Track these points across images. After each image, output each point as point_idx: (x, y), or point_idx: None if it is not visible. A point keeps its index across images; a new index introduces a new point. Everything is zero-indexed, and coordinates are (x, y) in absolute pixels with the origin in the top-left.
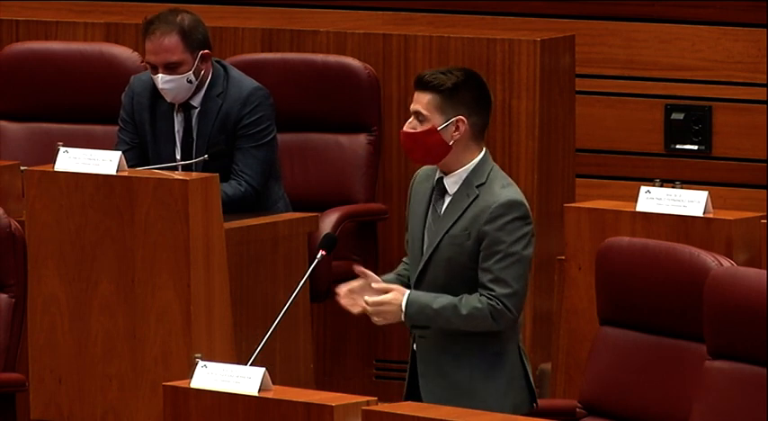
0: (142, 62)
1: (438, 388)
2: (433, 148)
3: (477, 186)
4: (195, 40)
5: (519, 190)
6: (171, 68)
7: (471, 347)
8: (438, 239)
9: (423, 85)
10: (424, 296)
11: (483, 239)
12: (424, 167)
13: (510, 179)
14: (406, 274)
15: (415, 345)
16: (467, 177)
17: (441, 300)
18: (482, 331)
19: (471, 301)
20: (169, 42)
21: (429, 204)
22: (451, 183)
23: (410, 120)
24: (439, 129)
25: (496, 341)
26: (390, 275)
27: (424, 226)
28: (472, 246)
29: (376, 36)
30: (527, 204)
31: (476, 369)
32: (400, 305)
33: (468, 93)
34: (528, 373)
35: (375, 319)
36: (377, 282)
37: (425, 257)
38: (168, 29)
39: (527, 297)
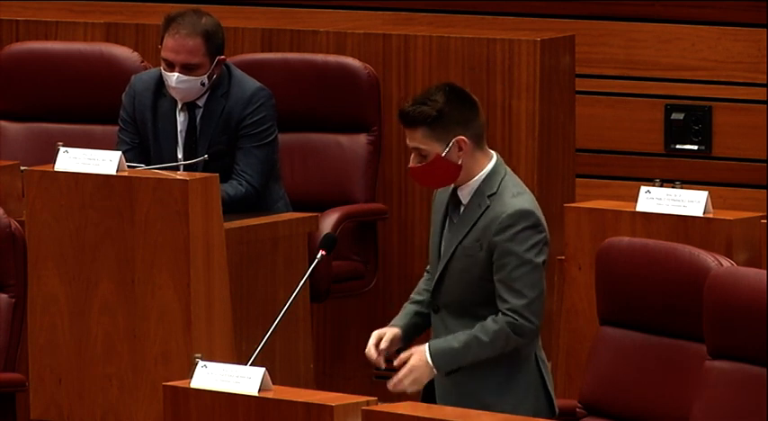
0: (142, 62)
1: (453, 399)
2: (445, 173)
3: (489, 196)
4: (215, 45)
5: (531, 197)
6: (188, 69)
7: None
8: (452, 250)
9: (409, 122)
10: (443, 342)
11: (494, 250)
12: None
13: (523, 186)
14: (425, 293)
15: None
16: (479, 187)
17: (460, 337)
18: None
19: (488, 327)
20: (193, 44)
21: (446, 213)
22: (465, 194)
23: (412, 156)
24: (443, 155)
25: (510, 350)
26: (397, 320)
27: (441, 235)
28: (485, 257)
29: (376, 36)
30: (538, 212)
31: (489, 380)
32: (427, 364)
33: (453, 111)
34: (546, 382)
35: (410, 388)
36: (390, 350)
37: (441, 267)
38: (194, 31)
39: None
